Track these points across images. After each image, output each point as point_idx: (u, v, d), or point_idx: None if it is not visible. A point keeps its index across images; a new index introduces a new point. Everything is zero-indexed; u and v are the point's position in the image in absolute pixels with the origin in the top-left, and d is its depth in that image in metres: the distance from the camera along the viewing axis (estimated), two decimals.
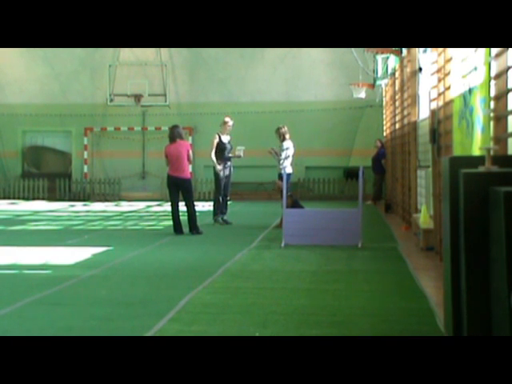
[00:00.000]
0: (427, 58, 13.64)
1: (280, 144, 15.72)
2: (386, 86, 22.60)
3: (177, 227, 14.29)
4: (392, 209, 20.33)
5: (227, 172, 16.39)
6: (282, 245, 12.35)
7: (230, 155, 16.46)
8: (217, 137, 16.32)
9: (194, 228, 14.29)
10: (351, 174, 25.96)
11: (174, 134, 14.60)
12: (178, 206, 14.35)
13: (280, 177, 15.08)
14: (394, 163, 20.31)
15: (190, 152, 14.51)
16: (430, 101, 12.27)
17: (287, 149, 15.59)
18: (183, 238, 13.84)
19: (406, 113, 16.79)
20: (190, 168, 14.67)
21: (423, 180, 14.50)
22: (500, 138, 7.23)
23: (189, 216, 14.37)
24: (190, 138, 26.48)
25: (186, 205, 14.40)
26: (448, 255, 5.44)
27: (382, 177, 23.15)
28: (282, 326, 6.64)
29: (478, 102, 7.96)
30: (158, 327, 6.56)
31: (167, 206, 22.95)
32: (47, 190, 27.56)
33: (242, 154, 16.68)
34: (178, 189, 14.43)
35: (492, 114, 7.45)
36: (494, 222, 4.72)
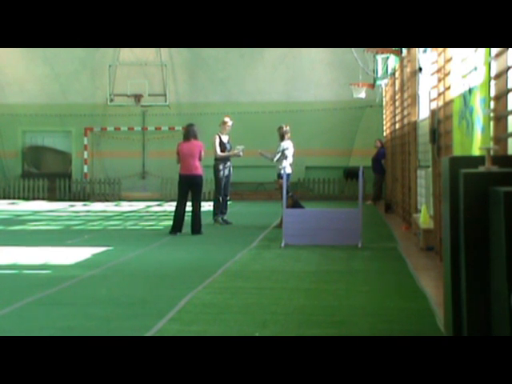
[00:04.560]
0: (427, 57, 13.63)
1: (278, 143, 15.73)
2: (386, 85, 22.59)
3: (176, 227, 14.17)
4: (392, 209, 20.32)
5: (227, 172, 16.40)
6: (282, 245, 12.35)
7: (230, 154, 16.46)
8: (217, 137, 16.34)
9: (196, 227, 14.25)
10: (351, 174, 25.96)
11: (188, 133, 14.53)
12: (185, 206, 14.28)
13: (279, 177, 15.09)
14: (394, 163, 20.30)
15: (203, 152, 14.42)
16: (430, 101, 12.26)
17: (286, 149, 15.59)
18: (183, 238, 13.83)
19: (406, 113, 16.78)
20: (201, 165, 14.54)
21: (423, 180, 14.50)
22: (500, 138, 7.23)
23: (194, 214, 14.31)
24: None
25: (193, 203, 14.30)
26: (448, 255, 5.44)
27: (382, 177, 23.14)
28: (282, 326, 6.64)
29: (477, 102, 7.96)
30: (158, 327, 6.56)
31: (167, 206, 23.07)
32: (47, 190, 27.55)
33: (241, 153, 16.66)
34: (189, 188, 14.32)
35: (492, 114, 7.45)
36: (494, 221, 4.72)
